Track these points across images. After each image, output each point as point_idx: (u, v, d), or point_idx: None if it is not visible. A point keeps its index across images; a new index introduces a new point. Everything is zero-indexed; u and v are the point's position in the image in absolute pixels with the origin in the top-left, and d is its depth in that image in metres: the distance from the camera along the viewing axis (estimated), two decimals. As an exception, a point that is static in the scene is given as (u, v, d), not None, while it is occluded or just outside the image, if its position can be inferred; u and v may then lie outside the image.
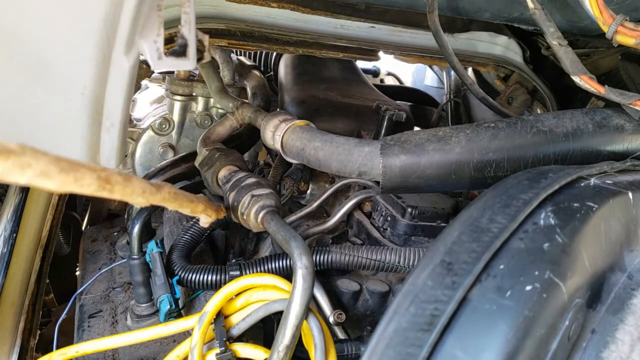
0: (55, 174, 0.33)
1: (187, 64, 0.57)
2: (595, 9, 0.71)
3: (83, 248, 1.49)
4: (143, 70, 1.27)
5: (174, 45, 0.56)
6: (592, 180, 0.62)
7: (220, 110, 1.71)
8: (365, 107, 1.40)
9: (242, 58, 1.80)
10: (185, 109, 1.70)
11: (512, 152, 0.78)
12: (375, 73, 2.44)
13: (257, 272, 0.95)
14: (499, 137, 0.78)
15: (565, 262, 0.51)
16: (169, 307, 0.98)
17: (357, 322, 1.02)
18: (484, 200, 0.58)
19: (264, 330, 0.99)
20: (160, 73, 1.89)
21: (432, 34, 1.01)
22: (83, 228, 1.82)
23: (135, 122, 1.72)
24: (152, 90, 1.92)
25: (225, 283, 0.93)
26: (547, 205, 0.56)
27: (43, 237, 1.17)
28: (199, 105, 1.70)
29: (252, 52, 1.95)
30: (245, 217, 0.93)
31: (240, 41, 1.21)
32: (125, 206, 1.80)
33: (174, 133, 1.69)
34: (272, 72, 1.94)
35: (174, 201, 0.51)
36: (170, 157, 1.63)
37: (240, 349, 0.85)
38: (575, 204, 0.56)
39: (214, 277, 0.96)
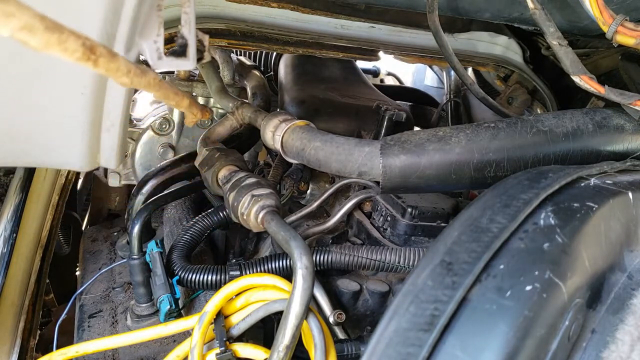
0: (40, 31, 0.32)
1: (187, 64, 0.57)
2: (595, 9, 0.71)
3: (83, 248, 1.49)
4: (143, 70, 1.27)
5: (174, 45, 0.56)
6: (592, 180, 0.62)
7: (220, 110, 1.71)
8: (365, 107, 1.40)
9: (242, 58, 1.80)
10: (185, 109, 1.69)
11: (512, 152, 0.78)
12: (375, 73, 2.44)
13: (257, 272, 0.95)
14: (499, 137, 0.78)
15: (565, 262, 0.51)
16: (169, 307, 0.98)
17: (357, 322, 1.02)
18: (484, 200, 0.58)
19: (264, 330, 0.99)
20: (160, 73, 1.89)
21: (432, 34, 1.01)
22: (83, 228, 1.82)
23: (135, 122, 1.71)
24: (152, 90, 1.91)
25: (225, 283, 0.93)
26: (547, 205, 0.56)
27: (43, 237, 1.17)
28: (199, 105, 1.70)
29: (252, 52, 1.95)
30: (245, 217, 0.93)
31: (240, 41, 1.21)
32: (125, 206, 1.81)
33: (174, 133, 1.69)
34: (272, 72, 1.93)
35: (159, 89, 0.49)
36: (170, 157, 1.63)
37: (240, 349, 0.85)
38: (575, 204, 0.56)
39: (214, 277, 0.96)
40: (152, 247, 1.02)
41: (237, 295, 0.88)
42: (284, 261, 0.96)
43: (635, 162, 0.73)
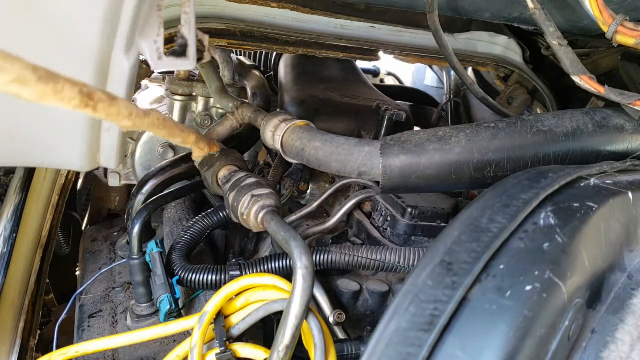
0: (33, 82, 0.31)
1: (187, 64, 0.57)
2: (595, 9, 0.71)
3: (83, 248, 1.49)
4: (143, 70, 1.27)
5: (174, 45, 0.56)
6: (592, 180, 0.62)
7: (220, 110, 1.71)
8: (365, 107, 1.40)
9: (242, 58, 1.80)
10: (185, 109, 1.69)
11: (512, 152, 0.78)
12: (375, 73, 2.44)
13: (257, 272, 0.95)
14: (499, 137, 0.78)
15: (565, 262, 0.51)
16: (169, 307, 0.98)
17: (357, 322, 1.02)
18: (484, 200, 0.58)
19: (264, 330, 0.99)
20: (160, 73, 1.89)
21: (432, 34, 1.01)
22: (83, 228, 1.82)
23: (135, 122, 1.71)
24: (152, 90, 1.91)
25: (225, 283, 0.93)
26: (547, 205, 0.56)
27: (43, 237, 1.17)
28: (199, 105, 1.70)
29: (252, 52, 1.95)
30: (245, 217, 0.93)
31: (240, 41, 1.21)
32: (125, 206, 1.81)
33: (174, 133, 1.68)
34: (272, 72, 1.93)
35: (163, 128, 0.48)
36: (170, 157, 1.63)
37: (240, 349, 0.85)
38: (575, 204, 0.56)
39: (214, 277, 0.96)
40: (152, 247, 1.02)
41: (237, 295, 0.87)
42: (284, 261, 0.96)
43: (635, 162, 0.73)
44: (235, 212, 0.95)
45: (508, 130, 0.79)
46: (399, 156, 0.78)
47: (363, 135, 1.33)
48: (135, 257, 1.04)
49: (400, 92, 2.23)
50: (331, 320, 0.93)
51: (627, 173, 0.69)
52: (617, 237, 0.59)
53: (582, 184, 0.61)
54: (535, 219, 0.54)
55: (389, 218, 1.07)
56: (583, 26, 0.98)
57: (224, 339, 0.83)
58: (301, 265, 0.75)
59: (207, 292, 1.07)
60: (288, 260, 0.95)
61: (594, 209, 0.56)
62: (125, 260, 1.21)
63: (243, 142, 1.36)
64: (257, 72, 1.68)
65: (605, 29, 0.72)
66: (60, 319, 1.07)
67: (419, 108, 2.07)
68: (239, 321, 0.87)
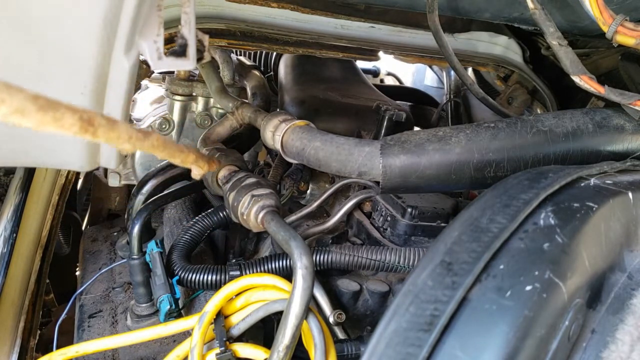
0: (32, 112, 0.31)
1: (187, 64, 0.57)
2: (595, 9, 0.71)
3: (83, 248, 1.49)
4: (143, 70, 1.27)
5: (174, 45, 0.56)
6: (592, 180, 0.62)
7: (220, 110, 1.71)
8: (365, 107, 1.40)
9: (242, 58, 1.80)
10: (185, 109, 1.69)
11: (512, 152, 0.78)
12: (375, 73, 2.44)
13: (257, 272, 0.95)
14: (499, 137, 0.78)
15: (565, 262, 0.51)
16: (169, 307, 0.98)
17: (357, 322, 1.02)
18: (484, 200, 0.58)
19: (264, 330, 0.99)
20: (160, 73, 1.89)
21: (432, 34, 1.01)
22: (83, 228, 1.82)
23: (135, 122, 1.71)
24: (152, 90, 1.91)
25: (225, 283, 0.93)
26: (547, 205, 0.56)
27: (43, 237, 1.17)
28: (199, 105, 1.70)
29: (252, 52, 1.95)
30: (245, 217, 0.93)
31: (240, 41, 1.21)
32: (125, 206, 1.81)
33: (173, 133, 1.68)
34: (272, 72, 1.93)
35: (163, 149, 0.49)
36: (170, 157, 1.63)
37: (240, 349, 0.85)
38: (575, 204, 0.56)
39: (214, 277, 0.96)
40: (152, 247, 1.02)
41: (237, 295, 0.88)
42: (284, 261, 0.95)
43: (635, 162, 0.73)
44: (235, 212, 0.95)
45: (508, 130, 0.79)
46: (399, 156, 0.78)
47: (363, 135, 1.33)
48: (135, 257, 1.04)
49: (400, 92, 2.23)
50: (331, 320, 0.93)
51: (627, 173, 0.68)
52: (617, 237, 0.59)
53: (582, 184, 0.61)
54: (535, 219, 0.54)
55: (389, 218, 1.07)
56: (583, 26, 0.98)
57: (224, 339, 0.83)
58: (301, 265, 0.75)
59: (207, 292, 1.07)
60: (288, 260, 0.95)
61: (594, 209, 0.56)
62: (125, 260, 1.21)
63: (243, 142, 1.36)
64: (257, 72, 1.68)
65: (605, 29, 0.72)
66: (60, 319, 1.07)
67: (419, 108, 2.07)
68: (239, 321, 0.87)
